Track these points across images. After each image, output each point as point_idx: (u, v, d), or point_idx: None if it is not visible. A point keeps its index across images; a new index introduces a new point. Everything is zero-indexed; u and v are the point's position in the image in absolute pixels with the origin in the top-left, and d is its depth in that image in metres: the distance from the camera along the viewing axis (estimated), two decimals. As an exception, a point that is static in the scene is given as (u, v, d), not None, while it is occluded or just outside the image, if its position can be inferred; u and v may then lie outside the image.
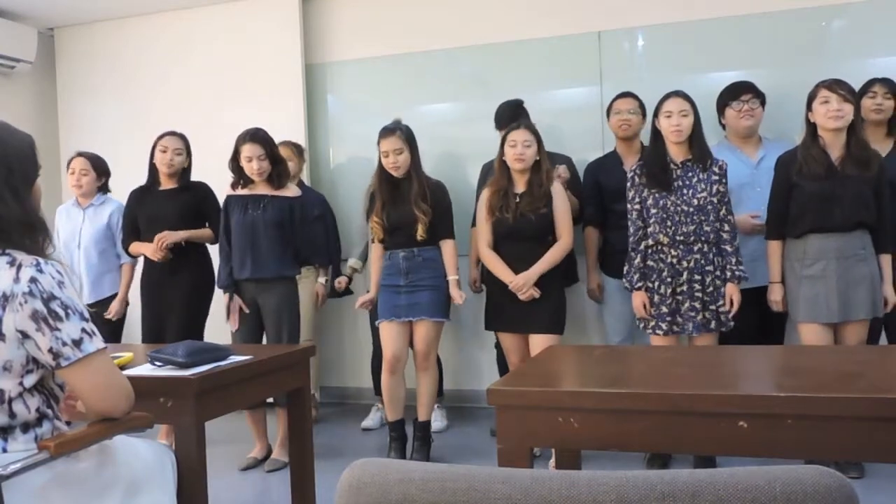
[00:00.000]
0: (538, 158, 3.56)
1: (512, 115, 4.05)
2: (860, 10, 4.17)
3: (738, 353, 2.43)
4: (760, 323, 3.66)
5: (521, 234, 3.56)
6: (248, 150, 3.66)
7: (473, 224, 4.27)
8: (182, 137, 4.08)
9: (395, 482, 0.89)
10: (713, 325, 3.30)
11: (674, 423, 1.72)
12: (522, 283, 3.53)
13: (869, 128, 3.54)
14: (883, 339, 3.63)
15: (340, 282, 4.52)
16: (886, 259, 3.24)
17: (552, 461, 3.03)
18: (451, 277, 3.73)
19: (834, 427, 1.62)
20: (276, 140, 3.85)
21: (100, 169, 4.33)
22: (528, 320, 3.59)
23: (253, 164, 3.65)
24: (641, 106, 3.96)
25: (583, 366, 2.33)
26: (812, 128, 3.23)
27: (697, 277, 3.29)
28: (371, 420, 4.54)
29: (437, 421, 4.38)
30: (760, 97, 3.79)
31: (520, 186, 3.59)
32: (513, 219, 3.55)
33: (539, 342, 3.53)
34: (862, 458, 2.79)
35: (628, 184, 3.46)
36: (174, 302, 3.98)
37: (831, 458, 2.35)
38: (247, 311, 3.71)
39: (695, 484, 0.81)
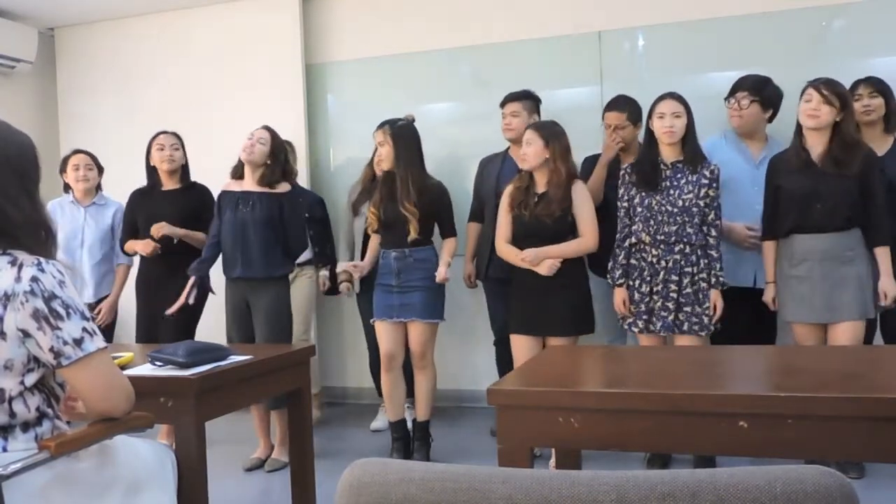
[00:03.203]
0: (548, 158, 3.46)
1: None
2: (860, 10, 4.17)
3: (737, 354, 2.43)
4: (750, 323, 3.66)
5: (536, 235, 3.47)
6: (255, 131, 3.71)
7: (470, 219, 4.28)
8: (175, 134, 4.08)
9: (395, 482, 0.89)
10: (685, 326, 3.29)
11: (674, 423, 1.72)
12: (532, 256, 3.40)
13: (864, 129, 3.52)
14: (878, 340, 3.62)
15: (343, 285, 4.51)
16: (884, 252, 3.19)
17: (552, 461, 3.03)
18: (444, 259, 3.69)
19: (834, 427, 1.62)
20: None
21: (99, 166, 4.34)
22: (545, 322, 3.46)
23: (250, 140, 3.67)
24: (632, 115, 3.88)
25: (583, 366, 2.33)
26: (799, 126, 3.26)
27: (674, 278, 3.30)
28: (380, 421, 4.52)
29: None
30: (760, 96, 3.71)
31: (540, 186, 3.51)
32: (529, 218, 3.48)
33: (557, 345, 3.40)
34: (862, 458, 2.79)
35: (619, 182, 3.48)
36: (168, 303, 3.96)
37: (831, 458, 2.35)
38: (191, 301, 3.62)
39: (695, 484, 0.81)
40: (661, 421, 1.73)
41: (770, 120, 3.82)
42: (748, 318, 3.62)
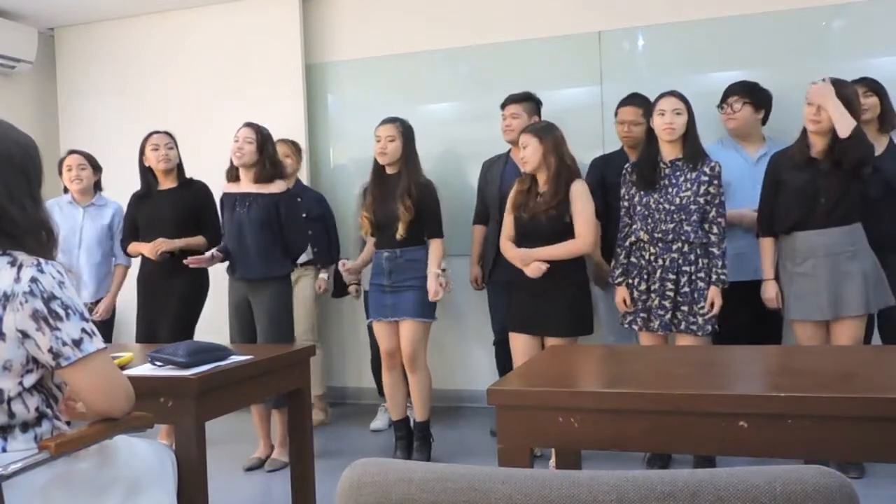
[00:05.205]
0: (543, 152, 3.45)
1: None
2: (860, 10, 4.17)
3: (738, 353, 2.43)
4: (754, 321, 3.65)
5: (534, 234, 3.46)
6: (239, 133, 3.69)
7: (475, 222, 4.28)
8: (168, 133, 4.07)
9: (395, 482, 0.89)
10: (682, 326, 3.29)
11: (674, 423, 1.72)
12: (522, 255, 3.44)
13: None
14: (876, 339, 3.62)
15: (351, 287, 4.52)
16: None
17: (552, 461, 3.03)
18: (432, 270, 3.69)
19: (834, 427, 1.62)
20: (275, 138, 3.85)
21: (95, 165, 4.33)
22: (543, 322, 3.45)
23: (237, 143, 3.66)
24: (647, 111, 3.89)
25: (583, 366, 2.33)
26: (804, 127, 3.28)
27: (671, 276, 3.30)
28: (379, 421, 4.52)
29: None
30: (751, 98, 3.75)
31: (542, 187, 3.50)
32: (527, 219, 3.48)
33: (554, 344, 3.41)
34: (862, 458, 2.80)
35: (621, 180, 3.49)
36: (167, 303, 3.97)
37: (831, 458, 2.35)
38: (213, 255, 3.68)
39: (695, 484, 0.81)
40: (661, 421, 1.73)
41: (764, 121, 3.85)
42: (751, 316, 3.61)
